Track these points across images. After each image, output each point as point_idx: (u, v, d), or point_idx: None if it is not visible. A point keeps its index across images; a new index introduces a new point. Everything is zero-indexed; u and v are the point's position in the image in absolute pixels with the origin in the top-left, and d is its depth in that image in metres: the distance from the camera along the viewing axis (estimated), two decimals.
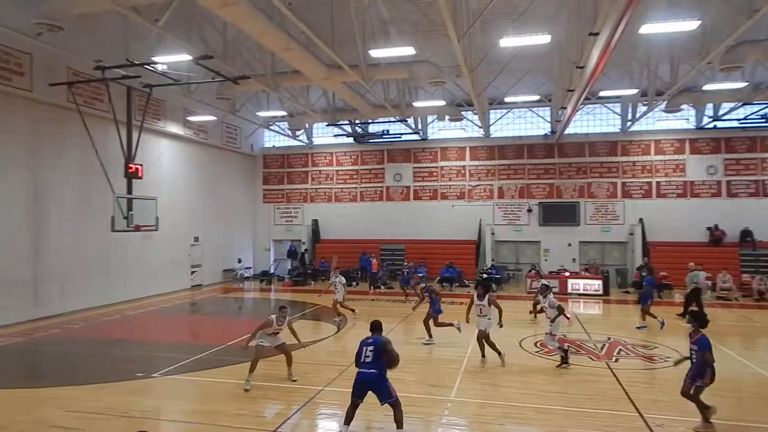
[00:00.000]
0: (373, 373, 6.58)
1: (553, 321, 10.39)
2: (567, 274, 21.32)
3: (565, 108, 18.00)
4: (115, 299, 17.74)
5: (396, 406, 6.53)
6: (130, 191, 15.97)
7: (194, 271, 22.62)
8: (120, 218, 15.36)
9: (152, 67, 14.16)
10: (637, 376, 9.74)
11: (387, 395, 6.55)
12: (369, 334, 7.10)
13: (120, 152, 15.86)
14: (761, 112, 20.43)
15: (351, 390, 6.68)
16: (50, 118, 15.61)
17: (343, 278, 15.10)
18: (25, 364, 11.14)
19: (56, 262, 15.71)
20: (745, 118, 20.94)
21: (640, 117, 20.93)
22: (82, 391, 8.71)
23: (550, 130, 23.99)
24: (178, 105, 20.71)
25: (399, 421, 6.50)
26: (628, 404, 8.02)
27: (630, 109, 22.43)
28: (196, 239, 22.70)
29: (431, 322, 12.18)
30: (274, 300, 20.62)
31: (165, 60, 13.64)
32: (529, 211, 24.57)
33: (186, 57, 13.07)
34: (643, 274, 17.04)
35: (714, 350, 7.85)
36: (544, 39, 12.12)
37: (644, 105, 19.94)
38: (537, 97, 20.97)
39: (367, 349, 6.69)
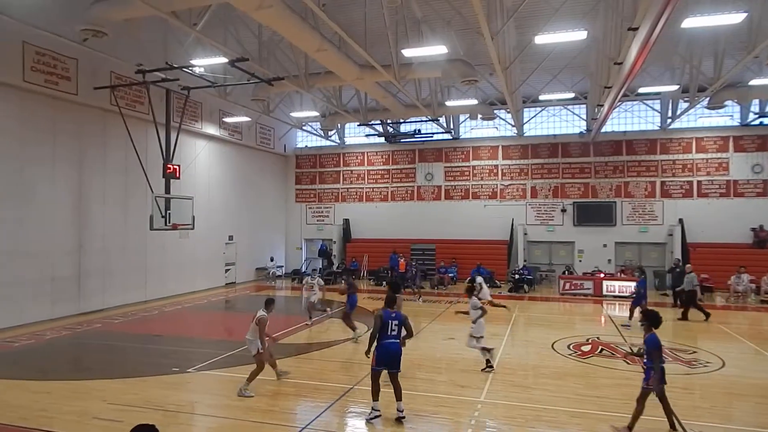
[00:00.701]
0: (398, 343, 7.39)
1: (474, 322, 9.76)
2: (602, 275, 20.83)
3: (602, 105, 17.57)
4: (153, 296, 18.32)
5: (397, 378, 7.34)
6: (168, 191, 16.40)
7: (228, 269, 23.09)
8: (158, 217, 15.81)
9: (190, 69, 14.54)
10: (675, 381, 9.40)
11: (399, 366, 7.39)
12: None
13: (159, 153, 16.33)
14: None
15: (375, 362, 7.24)
16: (94, 121, 16.19)
17: (321, 280, 15.33)
18: (71, 357, 11.57)
19: (98, 259, 16.30)
20: None
21: (681, 114, 20.26)
22: (122, 384, 9.01)
23: (585, 128, 23.47)
24: (215, 106, 21.20)
25: (400, 393, 7.30)
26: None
27: (670, 106, 21.72)
28: (231, 238, 23.17)
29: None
30: (305, 298, 20.86)
31: (202, 63, 13.98)
32: (564, 211, 24.12)
33: (222, 59, 13.37)
34: (636, 274, 16.76)
35: (755, 356, 7.52)
36: (580, 35, 11.86)
37: (686, 101, 19.29)
38: (572, 95, 20.54)
39: (393, 323, 7.36)
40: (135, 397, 8.26)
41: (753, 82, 17.32)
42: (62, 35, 13.84)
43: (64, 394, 8.49)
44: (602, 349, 11.55)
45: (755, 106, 21.38)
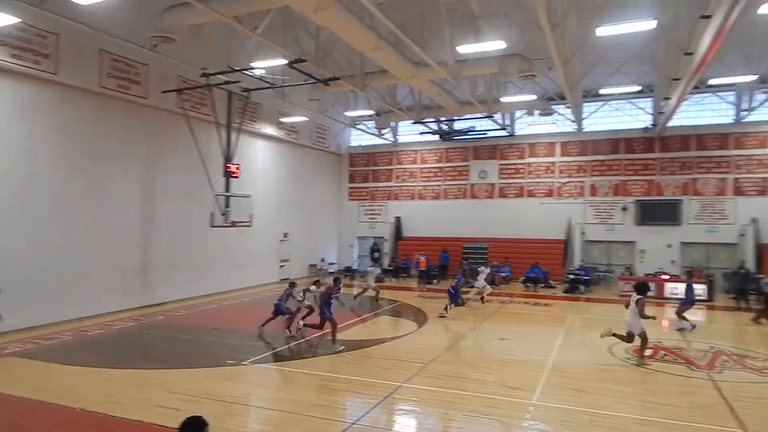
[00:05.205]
0: None
1: None
2: (665, 277, 19.80)
3: (669, 98, 16.69)
4: (212, 290, 18.99)
5: None
6: (228, 189, 17.03)
7: (282, 265, 23.62)
8: (218, 214, 16.46)
9: (251, 72, 14.97)
10: (744, 389, 8.81)
11: None
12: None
13: (220, 152, 16.95)
14: None
15: None
16: (161, 122, 16.98)
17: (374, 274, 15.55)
18: (136, 346, 12.21)
19: (163, 254, 17.09)
20: None
21: (759, 106, 18.91)
22: (182, 374, 9.41)
23: (651, 122, 22.35)
24: (273, 107, 21.75)
25: None
26: (732, 420, 7.32)
27: (746, 98, 20.32)
28: (285, 235, 23.71)
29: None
30: (351, 295, 21.18)
31: (262, 65, 14.36)
32: (624, 209, 23.11)
33: (281, 61, 13.68)
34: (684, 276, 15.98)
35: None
36: (648, 25, 11.26)
37: (763, 93, 18.03)
38: (637, 88, 19.62)
39: None
40: (194, 387, 8.60)
41: None
42: (135, 42, 14.62)
43: (130, 381, 8.97)
44: (664, 354, 10.98)
45: None
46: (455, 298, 15.42)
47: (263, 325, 12.69)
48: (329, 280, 13.35)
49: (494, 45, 12.65)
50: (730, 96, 21.57)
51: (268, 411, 8.00)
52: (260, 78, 16.12)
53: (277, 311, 12.59)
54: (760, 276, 17.37)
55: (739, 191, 21.46)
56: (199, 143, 16.83)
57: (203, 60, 15.81)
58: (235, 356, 10.43)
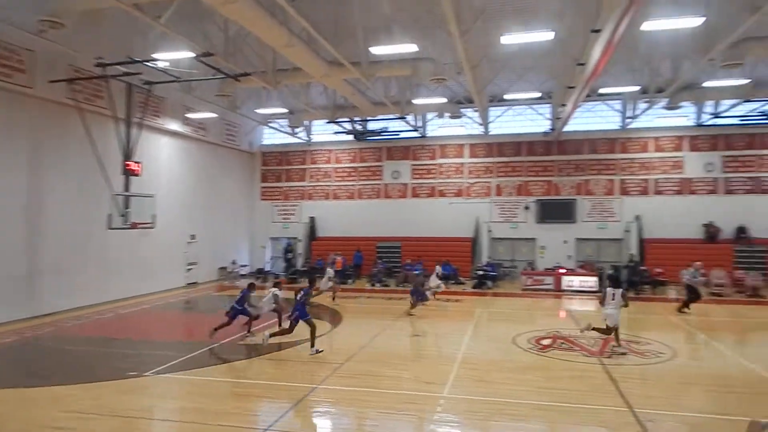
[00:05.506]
0: None
1: None
2: (562, 271, 21.38)
3: (565, 105, 18.01)
4: (109, 297, 17.55)
5: None
6: (127, 189, 15.92)
7: (190, 269, 22.48)
8: (117, 216, 15.33)
9: (153, 64, 14.09)
10: (630, 371, 9.75)
11: None
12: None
13: (118, 149, 15.78)
14: (761, 109, 20.48)
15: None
16: (50, 115, 15.45)
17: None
18: (20, 362, 11.01)
19: (52, 260, 15.56)
20: (744, 116, 20.98)
21: (641, 114, 20.97)
22: (76, 390, 8.60)
23: (549, 127, 24.00)
24: (178, 102, 20.59)
25: None
26: (620, 399, 8.04)
27: (630, 107, 22.46)
28: (193, 237, 22.58)
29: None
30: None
31: (166, 57, 13.57)
32: (527, 208, 24.61)
33: (187, 54, 13.02)
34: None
35: (705, 346, 8.19)
36: (547, 36, 12.09)
37: (645, 102, 19.98)
38: (538, 95, 20.98)
39: None
40: (92, 403, 7.89)
41: (707, 84, 18.06)
42: (18, 26, 13.18)
43: (11, 402, 8.05)
44: (562, 343, 11.82)
45: (709, 107, 22.31)
46: (418, 295, 15.62)
47: (216, 329, 11.75)
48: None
49: (406, 48, 12.92)
50: (617, 104, 23.72)
51: (174, 423, 7.55)
52: (164, 71, 15.20)
53: (234, 315, 11.86)
54: (644, 269, 19.31)
55: (624, 191, 23.66)
56: (95, 139, 15.54)
57: (99, 49, 14.59)
58: (137, 367, 9.72)
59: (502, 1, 12.91)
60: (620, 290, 10.87)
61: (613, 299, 10.74)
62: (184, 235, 22.03)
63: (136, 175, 16.10)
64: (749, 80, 17.44)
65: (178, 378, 9.42)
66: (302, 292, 10.69)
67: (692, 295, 15.56)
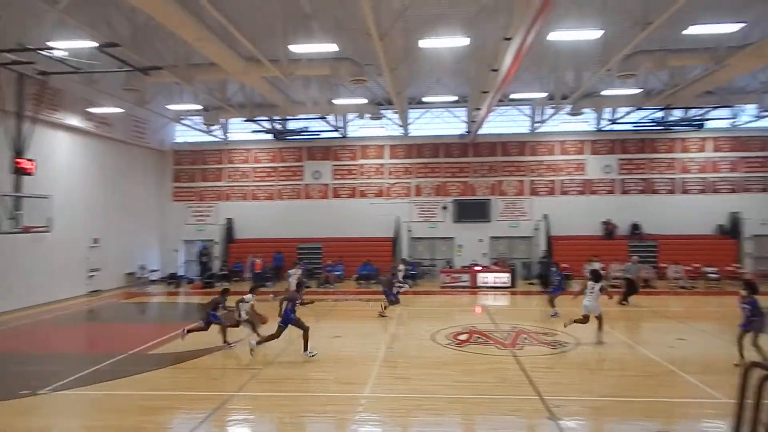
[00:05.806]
0: None
1: None
2: (478, 268, 22.27)
3: (480, 109, 18.74)
4: None
5: None
6: (19, 189, 14.50)
7: (92, 275, 20.83)
8: (5, 219, 13.93)
9: (48, 52, 12.88)
10: (539, 361, 10.36)
11: None
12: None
13: (7, 145, 14.31)
14: (651, 117, 22.53)
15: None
16: None
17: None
18: None
19: None
20: (637, 122, 22.98)
21: (548, 119, 22.32)
22: None
23: (465, 130, 24.88)
24: (79, 95, 18.94)
25: None
26: (530, 388, 8.51)
27: (539, 112, 23.83)
28: (96, 241, 20.97)
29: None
30: (183, 303, 19.69)
31: (64, 46, 12.44)
32: (444, 208, 25.37)
33: (89, 43, 12.02)
34: (552, 269, 18.21)
35: (603, 334, 10.22)
36: (462, 41, 12.52)
37: (551, 108, 21.27)
38: (455, 98, 21.68)
39: None
40: None
41: (605, 92, 19.60)
42: None
43: None
44: (478, 337, 12.31)
45: (608, 114, 24.19)
46: (390, 297, 15.74)
47: (186, 332, 10.99)
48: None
49: (326, 47, 12.83)
50: (527, 109, 25.10)
51: None
52: (62, 60, 13.96)
53: (208, 322, 11.16)
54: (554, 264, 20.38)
55: (534, 192, 25.11)
56: None
57: None
58: (30, 385, 8.83)
59: (420, 5, 13.16)
60: (599, 284, 11.67)
61: (592, 292, 11.59)
62: (85, 239, 20.39)
63: (29, 174, 14.69)
64: (641, 90, 19.17)
65: (79, 394, 8.67)
66: (295, 297, 10.73)
67: (631, 288, 16.90)
